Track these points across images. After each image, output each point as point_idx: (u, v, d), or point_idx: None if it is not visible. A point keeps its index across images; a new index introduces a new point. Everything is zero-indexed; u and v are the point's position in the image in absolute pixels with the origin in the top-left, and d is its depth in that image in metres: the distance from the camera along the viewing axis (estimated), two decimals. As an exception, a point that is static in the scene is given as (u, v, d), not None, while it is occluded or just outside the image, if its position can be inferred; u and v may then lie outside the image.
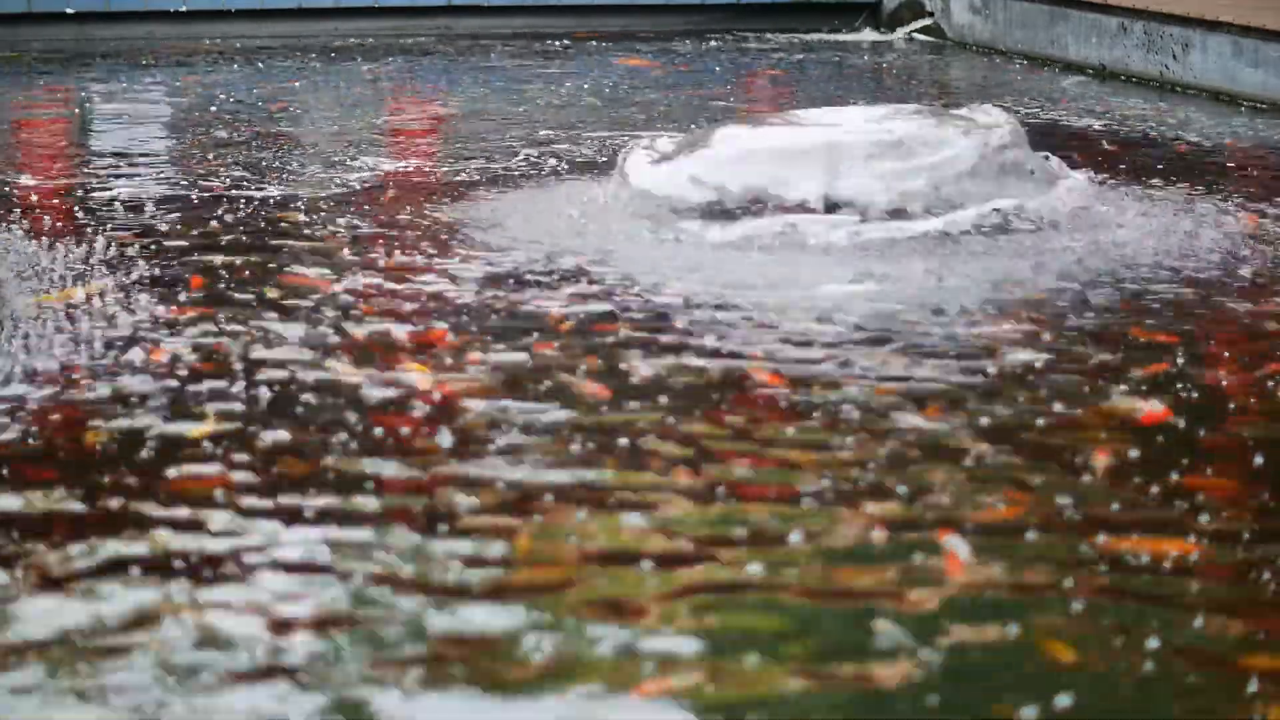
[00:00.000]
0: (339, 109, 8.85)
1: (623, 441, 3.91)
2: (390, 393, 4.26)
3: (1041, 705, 2.75)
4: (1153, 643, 2.96)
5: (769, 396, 4.23)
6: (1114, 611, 3.09)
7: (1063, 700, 2.77)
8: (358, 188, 6.69)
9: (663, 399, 4.18)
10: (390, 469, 3.76)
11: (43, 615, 3.07)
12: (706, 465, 3.79)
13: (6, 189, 6.67)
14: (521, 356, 4.52)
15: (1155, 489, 3.65)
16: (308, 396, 4.21)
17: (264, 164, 7.18)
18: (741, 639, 2.99)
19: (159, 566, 3.27)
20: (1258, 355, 4.64)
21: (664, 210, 5.86)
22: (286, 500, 3.59)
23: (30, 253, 5.39)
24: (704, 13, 12.08)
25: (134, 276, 5.23)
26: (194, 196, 6.52)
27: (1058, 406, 4.12)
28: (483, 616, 3.07)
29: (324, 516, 3.50)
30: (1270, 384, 4.32)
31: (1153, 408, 3.99)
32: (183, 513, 3.51)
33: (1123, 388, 4.24)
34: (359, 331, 4.75)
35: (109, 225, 5.98)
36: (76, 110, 9.06)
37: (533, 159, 7.23)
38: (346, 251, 5.63)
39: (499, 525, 3.48)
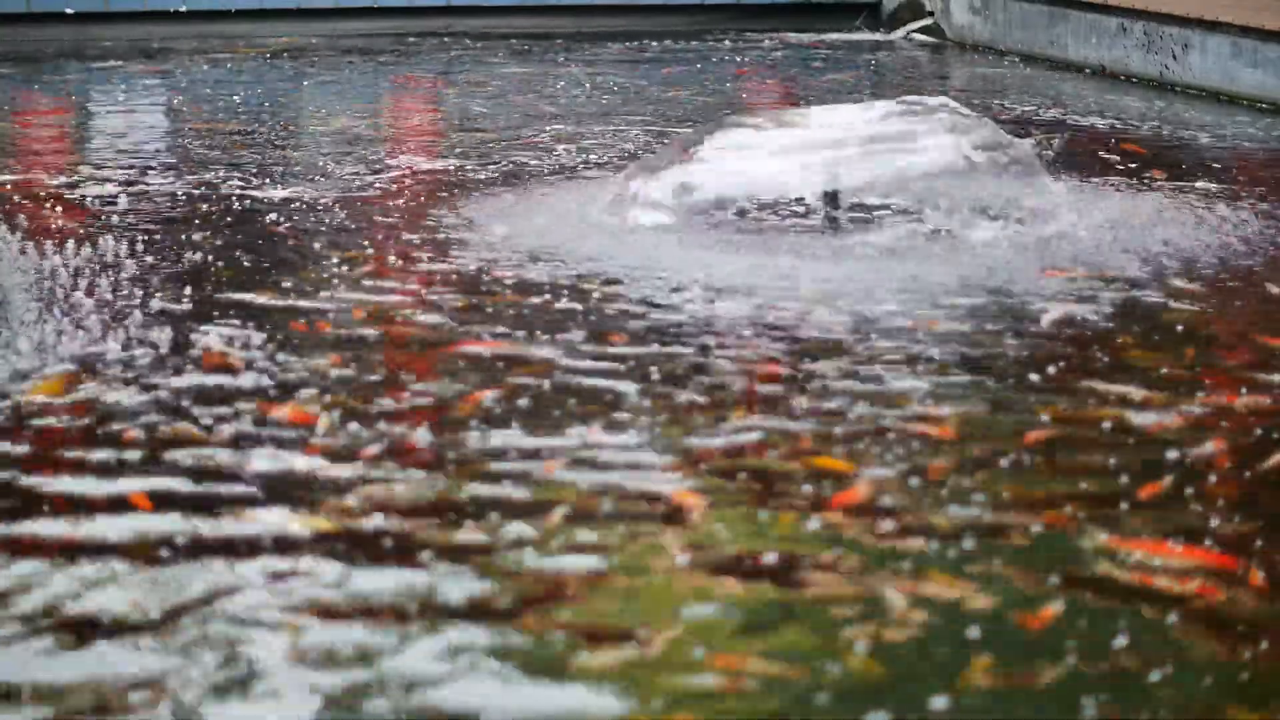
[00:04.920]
0: (351, 108, 8.86)
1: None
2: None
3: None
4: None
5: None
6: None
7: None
8: (394, 188, 6.71)
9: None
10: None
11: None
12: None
13: (9, 190, 6.69)
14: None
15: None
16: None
17: (280, 164, 7.19)
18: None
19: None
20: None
21: (667, 213, 5.89)
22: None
23: (43, 256, 5.39)
24: (705, 13, 12.09)
25: (146, 279, 5.25)
26: (214, 198, 6.53)
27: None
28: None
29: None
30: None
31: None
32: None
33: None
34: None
35: (120, 228, 5.99)
36: (77, 111, 9.07)
37: (570, 154, 7.27)
38: (394, 257, 5.65)
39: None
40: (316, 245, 5.80)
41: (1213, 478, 3.77)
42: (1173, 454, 3.86)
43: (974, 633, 3.05)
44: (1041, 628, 3.07)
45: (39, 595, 3.18)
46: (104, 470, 3.77)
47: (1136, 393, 4.26)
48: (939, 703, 2.82)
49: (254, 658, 2.95)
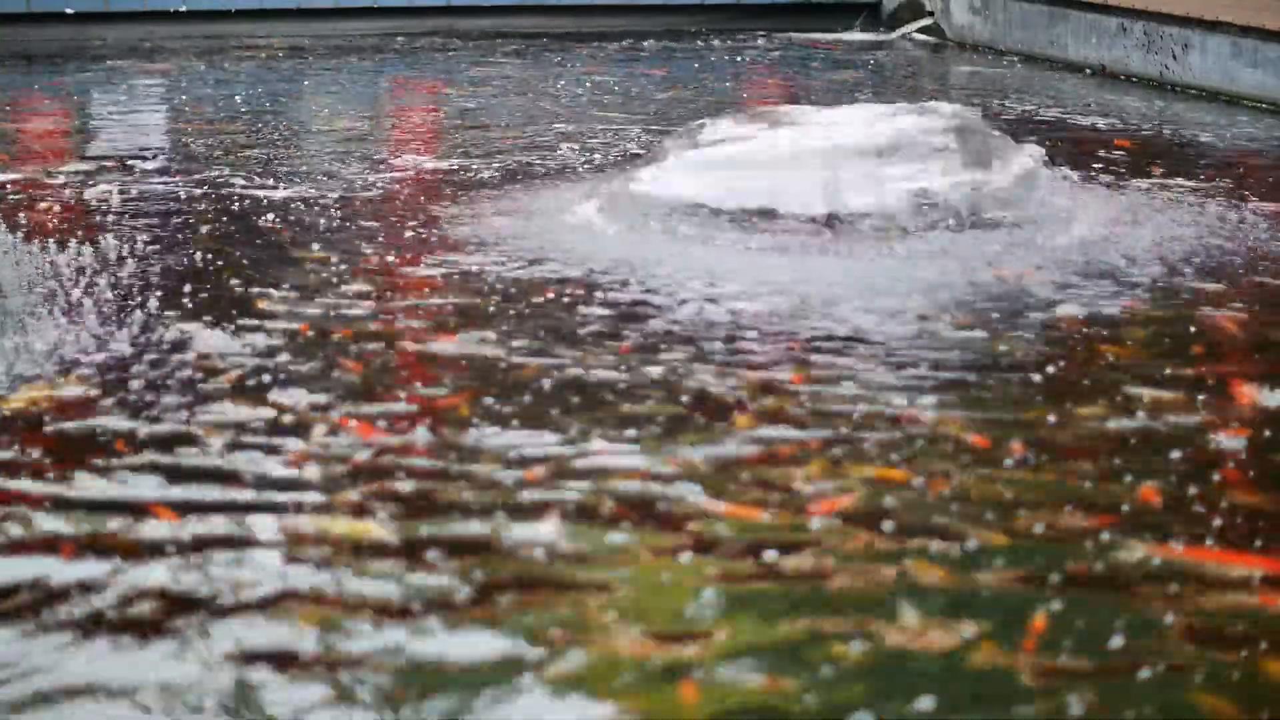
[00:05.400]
0: (351, 108, 8.86)
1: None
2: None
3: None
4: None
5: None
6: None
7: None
8: (395, 188, 6.70)
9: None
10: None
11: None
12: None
13: (16, 190, 6.69)
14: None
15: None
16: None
17: (281, 164, 7.18)
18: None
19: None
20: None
21: (668, 213, 5.90)
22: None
23: (42, 256, 5.38)
24: (705, 13, 12.10)
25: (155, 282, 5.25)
26: (215, 197, 6.53)
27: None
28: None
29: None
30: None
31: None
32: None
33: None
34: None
35: (120, 228, 5.99)
36: (77, 111, 9.08)
37: (571, 154, 7.28)
38: (408, 263, 5.65)
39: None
40: (317, 245, 5.80)
41: (1218, 477, 3.77)
42: (1177, 454, 3.86)
43: (970, 632, 3.06)
44: (1042, 628, 3.07)
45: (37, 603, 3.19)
46: (100, 473, 3.77)
47: (1140, 392, 4.26)
48: (935, 703, 2.82)
49: (259, 663, 2.96)
